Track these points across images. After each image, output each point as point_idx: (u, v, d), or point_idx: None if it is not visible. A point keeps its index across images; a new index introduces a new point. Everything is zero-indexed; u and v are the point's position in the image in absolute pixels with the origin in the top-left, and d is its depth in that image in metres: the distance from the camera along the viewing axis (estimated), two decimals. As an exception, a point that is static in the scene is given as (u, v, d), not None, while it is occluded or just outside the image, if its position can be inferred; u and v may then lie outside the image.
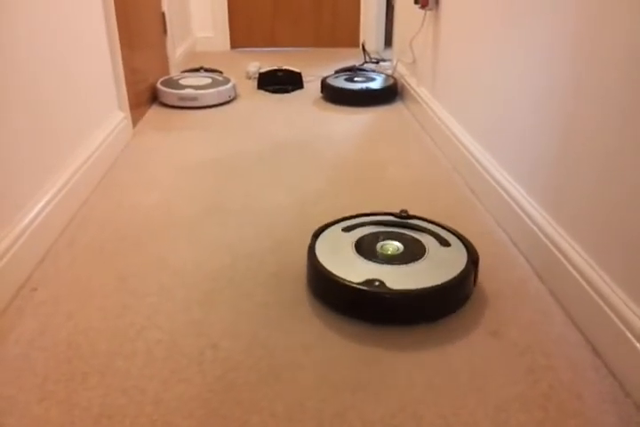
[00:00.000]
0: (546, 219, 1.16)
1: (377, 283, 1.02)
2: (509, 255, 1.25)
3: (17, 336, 0.99)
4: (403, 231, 1.19)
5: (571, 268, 1.03)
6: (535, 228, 1.18)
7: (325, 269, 1.06)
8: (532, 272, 1.19)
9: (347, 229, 1.20)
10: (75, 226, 1.39)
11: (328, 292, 1.08)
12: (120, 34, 1.91)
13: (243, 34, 3.70)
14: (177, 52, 3.03)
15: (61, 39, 1.45)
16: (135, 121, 2.12)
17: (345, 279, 1.03)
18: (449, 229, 1.20)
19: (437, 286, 1.01)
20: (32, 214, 1.22)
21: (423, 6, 2.00)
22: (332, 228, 1.21)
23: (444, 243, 1.15)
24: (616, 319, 0.89)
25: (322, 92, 2.58)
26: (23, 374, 0.91)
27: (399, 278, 1.03)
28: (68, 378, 0.90)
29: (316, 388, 0.88)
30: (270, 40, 3.73)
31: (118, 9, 1.91)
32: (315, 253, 1.11)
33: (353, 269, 1.06)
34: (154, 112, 2.35)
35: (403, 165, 1.78)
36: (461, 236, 1.18)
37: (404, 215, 1.23)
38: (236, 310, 1.07)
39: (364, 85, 2.47)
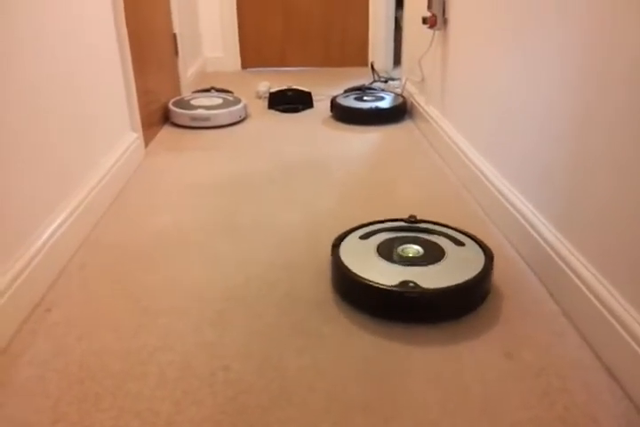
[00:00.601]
0: (556, 236, 1.16)
1: (412, 284, 1.07)
2: (521, 274, 1.25)
3: (30, 357, 1.00)
4: (417, 235, 1.25)
5: (584, 287, 1.03)
6: (545, 245, 1.18)
7: (357, 276, 1.10)
8: (545, 292, 1.18)
9: (364, 237, 1.25)
10: (88, 246, 1.40)
11: (362, 297, 1.12)
12: (133, 56, 1.95)
13: (253, 54, 3.75)
14: (188, 72, 3.07)
15: (75, 62, 1.47)
16: (147, 141, 2.15)
17: (379, 283, 1.07)
18: (459, 230, 1.27)
19: (467, 281, 1.08)
20: (46, 235, 1.23)
21: (432, 26, 2.02)
22: (349, 238, 1.25)
23: (459, 243, 1.22)
24: (630, 341, 0.88)
25: (331, 111, 2.60)
26: (36, 395, 0.91)
27: (429, 278, 1.09)
28: (81, 400, 0.90)
29: (327, 410, 0.87)
30: (280, 60, 3.78)
31: (131, 31, 1.94)
32: (342, 261, 1.15)
33: (381, 274, 1.11)
34: (166, 132, 2.37)
35: (412, 182, 1.79)
36: (472, 235, 1.25)
37: (412, 220, 1.30)
38: (248, 331, 1.07)
39: (373, 104, 2.49)
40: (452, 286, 1.07)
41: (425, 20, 2.04)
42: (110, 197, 1.66)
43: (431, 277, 1.09)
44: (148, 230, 1.48)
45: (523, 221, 1.30)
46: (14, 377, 0.95)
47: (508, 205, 1.39)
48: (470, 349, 1.01)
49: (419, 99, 2.42)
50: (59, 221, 1.30)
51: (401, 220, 1.31)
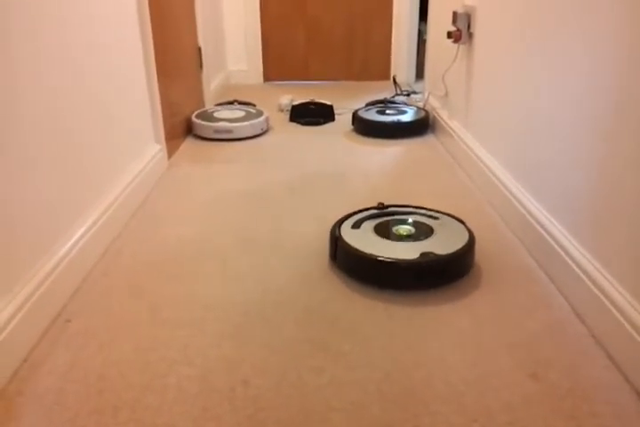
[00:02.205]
0: (583, 254, 1.13)
1: (431, 255, 1.22)
2: (547, 293, 1.22)
3: (50, 368, 1.00)
4: (399, 218, 1.41)
5: (611, 307, 1.00)
6: (574, 265, 1.15)
7: (379, 259, 1.22)
8: (571, 311, 1.15)
9: (355, 226, 1.37)
10: (109, 257, 1.40)
11: (389, 275, 1.24)
12: (158, 69, 1.97)
13: (275, 67, 3.78)
14: (211, 85, 3.10)
15: (101, 75, 1.49)
16: (170, 153, 2.16)
17: (405, 259, 1.21)
18: (425, 208, 1.46)
19: (469, 241, 1.28)
20: (68, 246, 1.23)
21: (456, 41, 2.02)
22: (344, 229, 1.35)
23: (434, 217, 1.41)
24: (662, 364, 0.86)
25: (353, 124, 2.60)
26: (55, 407, 0.91)
27: (437, 247, 1.25)
28: (99, 412, 0.90)
29: (348, 429, 0.86)
30: (302, 73, 3.80)
31: (157, 44, 1.97)
32: (357, 249, 1.26)
33: (397, 251, 1.24)
34: (188, 144, 2.39)
35: (435, 197, 1.77)
36: (434, 209, 1.45)
37: (381, 206, 1.45)
38: (266, 346, 1.05)
39: (395, 118, 2.48)
40: (460, 249, 1.25)
41: (450, 35, 2.04)
42: (133, 207, 1.67)
43: (438, 246, 1.25)
44: (169, 241, 1.48)
45: (548, 238, 1.28)
46: (34, 388, 0.95)
47: (533, 221, 1.37)
48: (494, 369, 0.99)
49: (442, 113, 2.41)
50: (81, 231, 1.30)
51: (371, 208, 1.46)
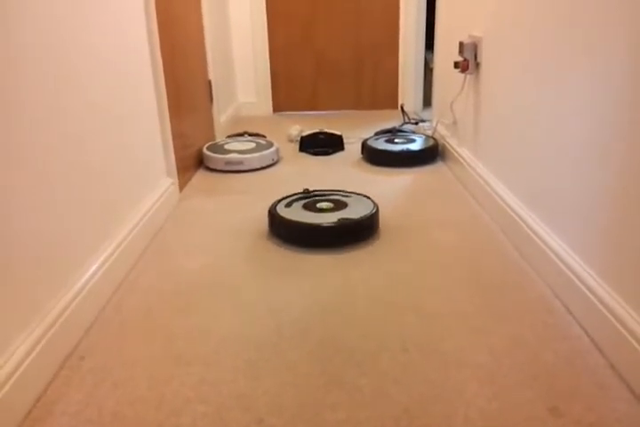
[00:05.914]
0: (601, 285, 1.12)
1: (347, 219, 1.66)
2: (565, 324, 1.20)
3: (63, 407, 0.99)
4: (317, 198, 1.84)
5: (631, 339, 0.98)
6: (590, 294, 1.14)
7: (306, 223, 1.64)
8: (591, 344, 1.13)
9: (287, 206, 1.79)
10: (122, 293, 1.40)
11: (314, 236, 1.65)
12: (169, 102, 2.00)
13: (285, 98, 3.83)
14: (222, 117, 3.14)
15: (113, 110, 1.52)
16: (182, 185, 2.18)
17: (325, 222, 1.64)
18: (341, 190, 1.92)
19: (375, 209, 1.73)
20: (82, 281, 1.24)
21: (463, 71, 2.04)
22: (279, 207, 1.77)
23: (346, 196, 1.86)
24: (687, 397, 0.84)
25: (362, 153, 2.61)
26: (69, 448, 0.90)
27: (352, 214, 1.69)
28: (113, 453, 0.88)
29: (366, 468, 0.84)
30: (311, 104, 3.84)
31: (168, 78, 2.01)
32: (290, 219, 1.67)
33: (322, 219, 1.67)
34: (200, 176, 2.41)
35: (446, 226, 1.77)
36: (348, 191, 1.92)
37: (308, 191, 1.89)
38: (281, 382, 1.04)
39: (404, 147, 2.50)
40: (368, 214, 1.68)
41: (457, 65, 2.06)
42: (145, 241, 1.68)
43: (352, 214, 1.69)
44: (181, 275, 1.48)
45: (564, 268, 1.27)
46: (48, 428, 0.94)
47: (547, 249, 1.36)
48: (513, 403, 0.97)
49: (451, 141, 2.43)
50: (95, 266, 1.31)
51: (299, 193, 1.88)
